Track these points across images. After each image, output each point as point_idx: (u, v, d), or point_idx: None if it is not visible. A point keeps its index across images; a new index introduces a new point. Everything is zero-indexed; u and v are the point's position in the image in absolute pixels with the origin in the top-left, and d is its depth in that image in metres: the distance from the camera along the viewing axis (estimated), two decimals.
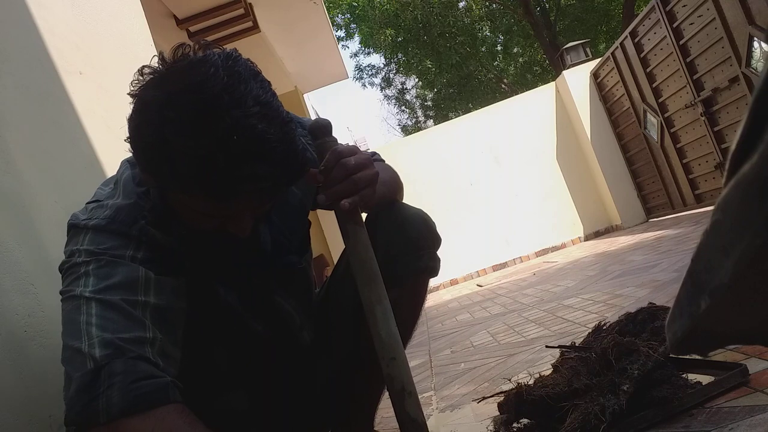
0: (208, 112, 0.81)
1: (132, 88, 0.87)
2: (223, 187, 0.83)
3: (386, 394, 1.27)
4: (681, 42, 4.76)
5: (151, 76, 0.86)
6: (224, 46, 0.91)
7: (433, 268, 1.18)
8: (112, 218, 0.94)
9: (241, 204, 0.88)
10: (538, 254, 6.99)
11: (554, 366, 1.41)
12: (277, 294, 1.14)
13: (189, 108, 0.81)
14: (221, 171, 0.81)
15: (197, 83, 0.82)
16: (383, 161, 1.22)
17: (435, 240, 1.18)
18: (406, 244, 1.13)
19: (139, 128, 0.86)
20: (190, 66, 0.84)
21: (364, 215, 0.99)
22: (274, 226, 1.11)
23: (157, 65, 0.87)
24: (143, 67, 0.87)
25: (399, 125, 23.84)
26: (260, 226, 1.06)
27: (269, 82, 0.90)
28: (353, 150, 0.94)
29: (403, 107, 22.33)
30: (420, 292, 1.22)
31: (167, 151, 0.82)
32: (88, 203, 1.00)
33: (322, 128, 0.96)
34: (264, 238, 1.09)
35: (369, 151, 1.24)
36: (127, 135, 0.88)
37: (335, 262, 1.30)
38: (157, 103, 0.83)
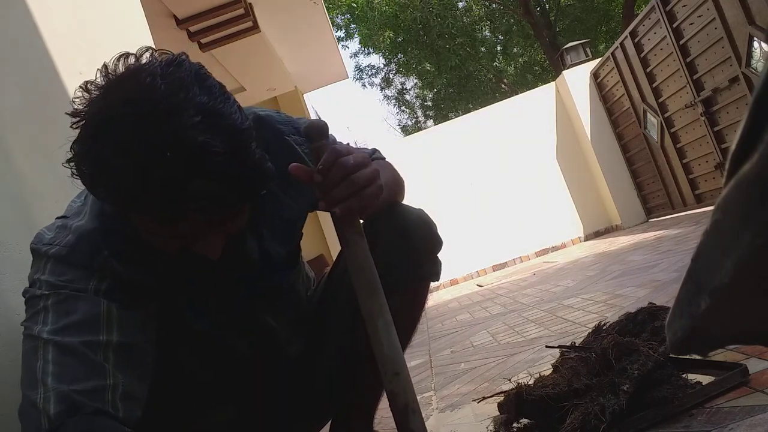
0: (141, 126, 0.74)
1: (75, 106, 0.80)
2: (165, 208, 0.77)
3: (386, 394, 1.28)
4: (681, 42, 4.76)
5: (96, 92, 0.80)
6: (182, 59, 0.82)
7: (435, 273, 1.17)
8: (73, 248, 0.88)
9: (192, 225, 0.81)
10: (538, 254, 6.99)
11: (554, 366, 1.41)
12: (262, 311, 1.09)
13: (122, 124, 0.75)
14: (160, 191, 0.75)
15: (132, 95, 0.76)
16: (384, 158, 1.20)
17: (437, 244, 1.16)
18: (407, 250, 1.10)
19: (75, 149, 0.80)
20: (126, 77, 0.78)
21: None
22: (264, 240, 1.04)
23: (101, 79, 0.81)
24: (87, 83, 0.80)
25: (399, 125, 23.85)
26: (247, 240, 1.01)
27: (221, 86, 0.82)
28: (350, 149, 0.88)
29: (403, 107, 22.34)
30: (421, 298, 1.21)
31: (104, 171, 0.77)
32: (57, 218, 0.95)
33: (319, 130, 0.90)
34: (252, 254, 1.02)
35: (370, 148, 1.23)
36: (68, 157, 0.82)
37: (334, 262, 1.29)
38: (93, 120, 0.77)
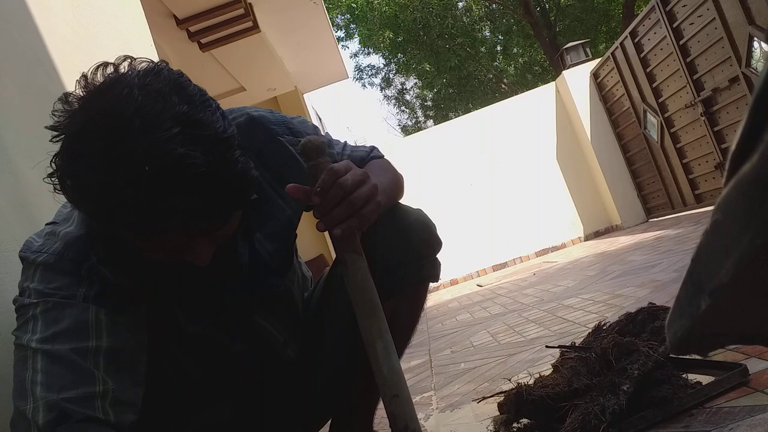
0: (118, 140, 0.73)
1: (54, 119, 0.78)
2: (144, 224, 0.76)
3: None
4: (681, 42, 4.76)
5: (76, 103, 0.78)
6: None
7: (434, 274, 1.17)
8: (61, 255, 0.88)
9: (175, 238, 0.80)
10: (538, 254, 6.99)
11: (554, 366, 1.41)
12: (256, 314, 1.09)
13: (99, 138, 0.73)
14: (138, 206, 0.73)
15: (108, 108, 0.74)
16: (382, 156, 1.19)
17: (436, 245, 1.15)
18: (407, 253, 1.10)
19: (56, 163, 0.78)
20: (103, 89, 0.77)
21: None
22: (257, 243, 1.03)
23: (80, 90, 0.79)
24: (66, 94, 0.79)
25: (399, 125, 23.86)
26: (237, 245, 1.00)
27: (202, 93, 0.80)
28: (348, 166, 0.87)
29: (403, 107, 22.35)
30: (420, 299, 1.21)
31: (83, 187, 0.76)
32: (47, 224, 0.95)
33: (316, 148, 0.88)
34: (242, 259, 1.02)
35: (368, 145, 1.22)
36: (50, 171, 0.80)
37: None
38: (71, 135, 0.76)
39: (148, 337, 0.94)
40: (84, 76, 0.80)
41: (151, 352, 0.94)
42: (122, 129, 0.73)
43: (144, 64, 0.81)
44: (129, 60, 0.81)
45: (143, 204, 0.74)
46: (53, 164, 0.79)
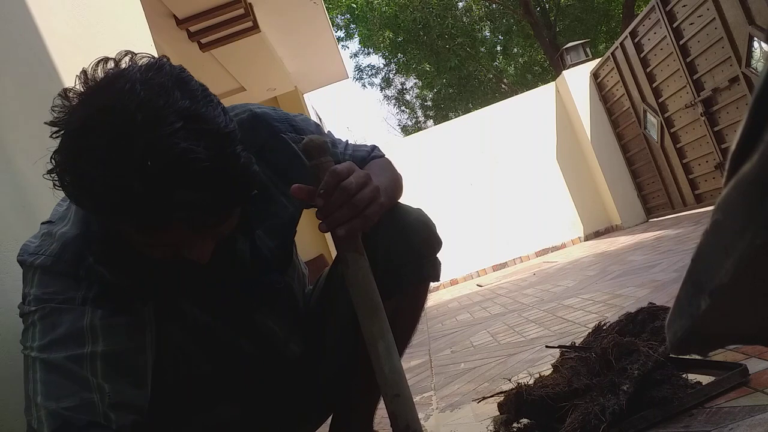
0: (120, 135, 0.72)
1: (54, 115, 0.77)
2: (148, 218, 0.75)
3: None
4: (681, 42, 4.76)
5: (76, 99, 0.77)
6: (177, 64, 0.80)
7: (434, 274, 1.17)
8: (58, 257, 0.87)
9: (178, 233, 0.79)
10: (538, 254, 6.99)
11: (554, 366, 1.41)
12: (257, 311, 1.09)
13: (101, 133, 0.73)
14: (142, 201, 0.73)
15: (110, 103, 0.73)
16: (383, 156, 1.19)
17: (437, 245, 1.16)
18: (408, 252, 1.10)
19: (56, 159, 0.77)
20: (104, 84, 0.76)
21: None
22: (258, 240, 1.03)
23: (80, 86, 0.78)
24: (66, 90, 0.78)
25: (399, 125, 23.86)
26: (238, 242, 1.00)
27: (204, 88, 0.80)
28: (351, 168, 0.87)
29: (403, 107, 22.35)
30: (420, 299, 1.21)
31: (85, 182, 0.75)
32: (42, 223, 0.94)
33: (318, 147, 0.88)
34: (242, 256, 1.01)
35: (369, 144, 1.22)
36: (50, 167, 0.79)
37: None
38: (71, 131, 0.75)
39: (155, 335, 0.94)
40: (84, 71, 0.79)
41: (157, 351, 0.94)
42: (125, 124, 0.73)
43: (145, 60, 0.80)
44: (130, 55, 0.81)
45: (146, 199, 0.73)
46: (53, 160, 0.78)
